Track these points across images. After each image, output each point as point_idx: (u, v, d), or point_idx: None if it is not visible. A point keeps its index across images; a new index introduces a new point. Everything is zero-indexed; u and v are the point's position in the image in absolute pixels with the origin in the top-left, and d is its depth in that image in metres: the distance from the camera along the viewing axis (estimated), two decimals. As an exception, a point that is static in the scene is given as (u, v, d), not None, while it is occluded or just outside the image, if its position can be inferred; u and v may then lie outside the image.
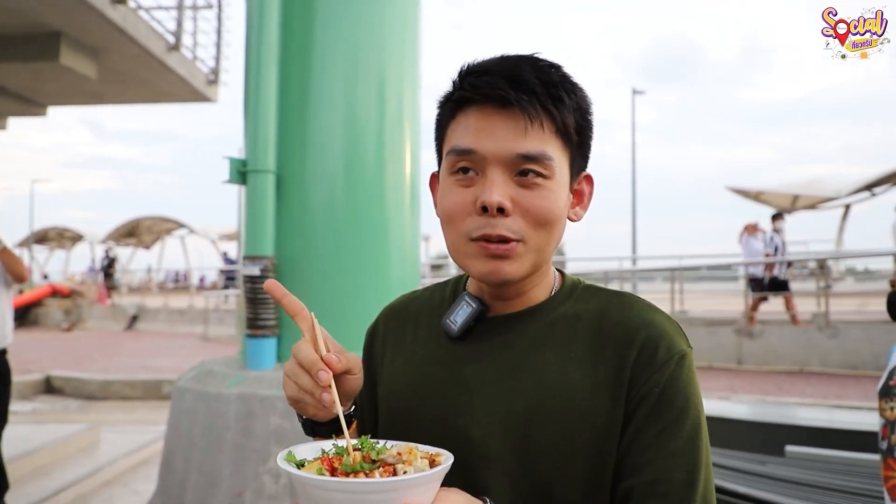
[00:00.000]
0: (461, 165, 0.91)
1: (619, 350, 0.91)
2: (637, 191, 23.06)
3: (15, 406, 8.39)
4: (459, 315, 0.99)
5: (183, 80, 7.96)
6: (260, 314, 3.42)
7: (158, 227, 29.13)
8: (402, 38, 3.77)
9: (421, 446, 0.84)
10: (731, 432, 4.63)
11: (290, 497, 3.19)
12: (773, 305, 12.96)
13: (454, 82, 0.94)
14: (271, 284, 0.91)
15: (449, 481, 0.82)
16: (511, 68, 0.89)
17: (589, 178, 1.00)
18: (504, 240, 0.89)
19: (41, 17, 6.38)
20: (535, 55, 0.94)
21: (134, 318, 18.40)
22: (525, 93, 0.87)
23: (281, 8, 3.55)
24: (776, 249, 10.82)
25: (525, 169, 0.89)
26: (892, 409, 2.47)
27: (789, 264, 11.51)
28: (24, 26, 6.55)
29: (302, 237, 3.55)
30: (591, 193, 1.01)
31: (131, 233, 28.80)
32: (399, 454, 0.79)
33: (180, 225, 28.38)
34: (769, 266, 10.78)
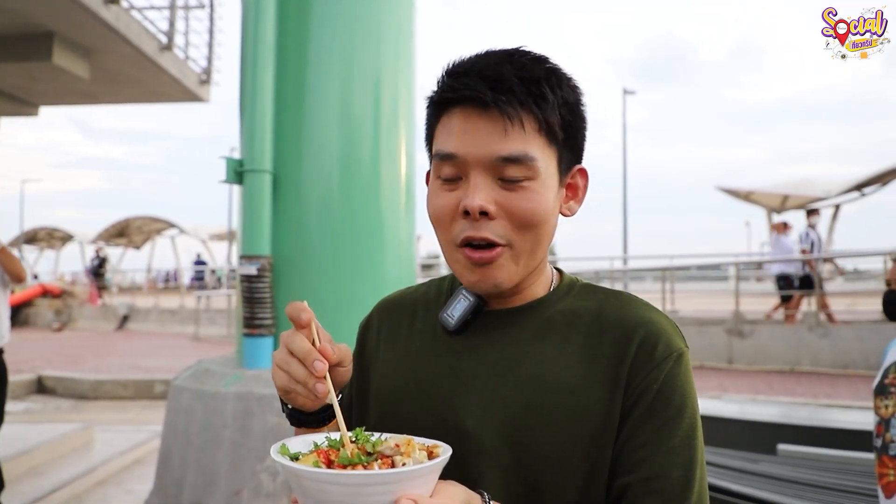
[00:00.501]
0: (445, 170, 0.91)
1: (618, 346, 0.91)
2: (628, 190, 23.18)
3: (7, 406, 8.36)
4: (457, 309, 0.98)
5: (175, 80, 7.94)
6: (257, 313, 3.42)
7: (148, 227, 29.01)
8: (397, 37, 3.79)
9: (417, 438, 0.82)
10: (724, 431, 4.67)
11: (286, 495, 3.20)
12: (765, 305, 13.03)
13: (438, 82, 0.93)
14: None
15: (444, 475, 0.82)
16: (492, 67, 0.88)
17: (583, 172, 0.99)
18: (489, 244, 0.89)
19: (34, 16, 6.35)
20: (521, 49, 0.93)
21: (125, 318, 18.31)
22: (503, 93, 0.86)
23: (276, 7, 3.55)
24: (812, 245, 10.54)
25: (507, 171, 0.88)
26: (886, 406, 2.50)
27: (824, 261, 11.14)
28: (16, 26, 6.53)
29: (298, 237, 3.56)
30: (585, 187, 0.99)
31: (121, 233, 28.66)
32: (397, 445, 0.78)
33: (170, 225, 28.27)
34: (807, 262, 10.48)
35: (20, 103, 8.32)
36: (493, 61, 0.89)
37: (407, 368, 1.00)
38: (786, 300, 10.83)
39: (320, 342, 0.84)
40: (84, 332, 17.70)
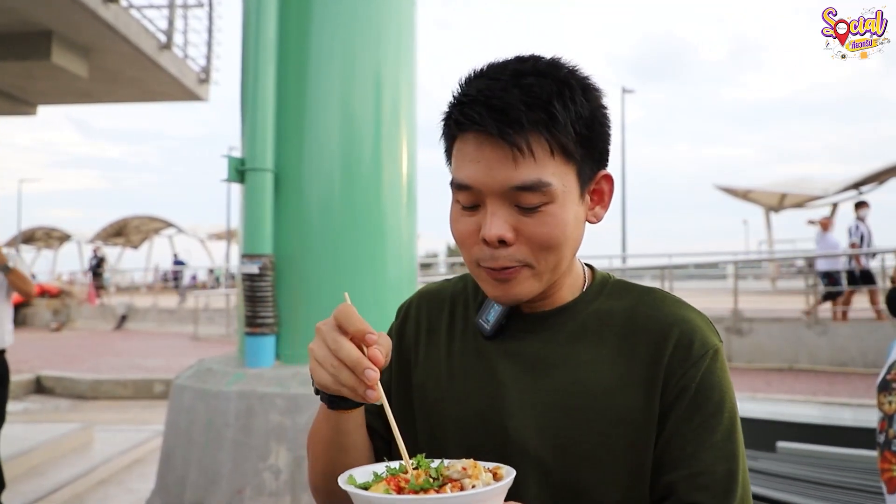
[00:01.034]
0: (462, 198, 0.91)
1: (653, 346, 0.92)
2: (626, 189, 23.19)
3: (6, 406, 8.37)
4: (491, 314, 1.00)
5: (174, 79, 7.92)
6: (259, 312, 3.43)
7: (146, 227, 28.98)
8: (397, 36, 3.79)
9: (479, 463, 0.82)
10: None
11: (289, 493, 3.21)
12: (762, 303, 13.05)
13: (452, 100, 0.92)
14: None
15: None
16: (497, 94, 0.86)
17: (608, 178, 0.97)
18: (506, 267, 0.90)
19: (32, 15, 6.34)
20: (532, 60, 0.91)
21: (123, 318, 18.29)
22: (509, 124, 0.85)
23: (277, 6, 3.55)
24: (862, 238, 10.36)
25: (522, 198, 0.88)
26: (890, 403, 2.51)
27: (873, 255, 10.85)
28: (14, 24, 6.51)
29: (299, 235, 3.57)
30: (611, 191, 0.98)
31: (119, 232, 28.62)
32: (464, 469, 0.77)
33: (168, 224, 28.25)
34: (856, 257, 10.33)
35: (18, 102, 8.30)
36: (500, 86, 0.87)
37: (449, 369, 1.01)
38: (830, 297, 10.63)
39: (368, 347, 0.81)
40: (82, 331, 17.68)
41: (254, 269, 3.36)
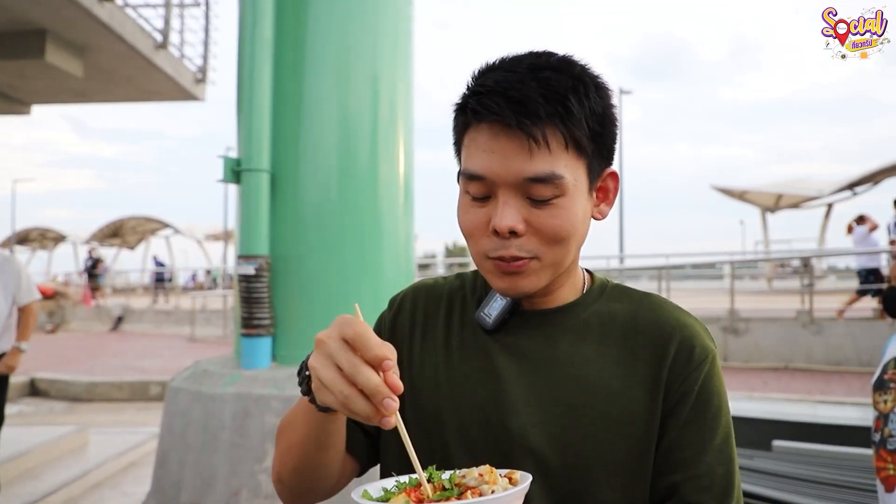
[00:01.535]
0: (473, 188, 0.91)
1: (656, 349, 0.94)
2: (624, 189, 23.20)
3: (3, 408, 8.34)
4: (493, 308, 1.00)
5: (170, 79, 7.89)
6: (255, 313, 3.41)
7: (143, 228, 28.89)
8: (394, 36, 3.78)
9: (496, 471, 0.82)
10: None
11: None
12: (759, 303, 13.07)
13: (465, 91, 0.93)
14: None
15: None
16: (516, 87, 0.87)
17: (614, 175, 0.99)
18: (516, 258, 0.90)
19: (26, 14, 6.30)
20: (546, 55, 0.92)
21: (119, 319, 18.22)
22: (527, 115, 0.86)
23: (274, 6, 3.54)
24: None
25: (535, 190, 0.88)
26: (885, 401, 2.51)
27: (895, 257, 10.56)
28: (8, 23, 6.47)
29: (296, 236, 3.55)
30: (616, 189, 1.00)
31: (115, 233, 28.53)
32: (481, 475, 0.78)
33: (165, 225, 28.16)
34: None
35: (12, 102, 8.25)
36: (518, 78, 0.88)
37: (447, 364, 1.00)
38: (875, 294, 10.45)
39: (386, 372, 0.73)
40: (78, 333, 17.61)
41: (250, 270, 3.35)
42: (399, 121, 3.76)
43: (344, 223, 3.56)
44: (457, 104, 0.94)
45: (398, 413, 0.74)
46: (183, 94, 8.39)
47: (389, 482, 0.82)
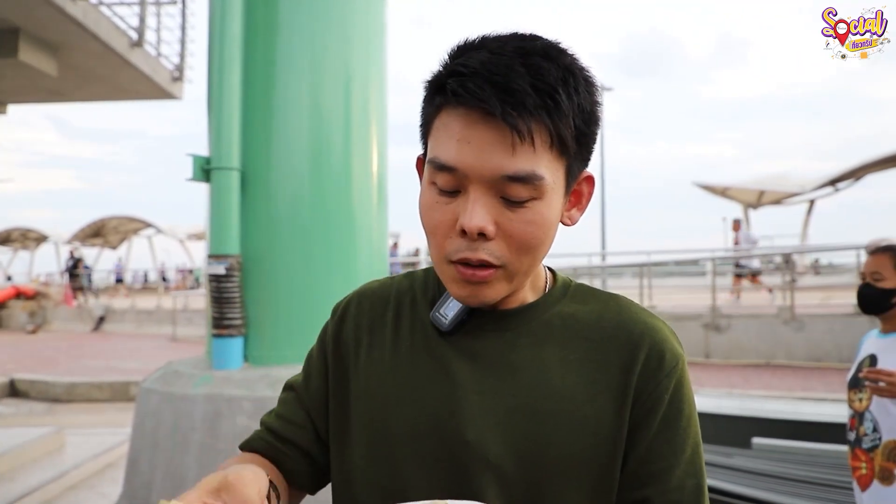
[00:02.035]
0: (441, 180, 0.82)
1: (624, 353, 0.88)
2: (606, 187, 23.28)
3: (-22, 411, 8.26)
4: (450, 308, 0.92)
5: (146, 77, 7.81)
6: (226, 313, 3.37)
7: (125, 227, 28.64)
8: (367, 32, 3.75)
9: (450, 503, 0.75)
10: (699, 425, 4.69)
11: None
12: (742, 299, 13.16)
13: (441, 70, 0.83)
14: None
15: (442, 487, 0.79)
16: (502, 70, 0.78)
17: (590, 179, 0.91)
18: (484, 264, 0.82)
19: (-1, 12, 6.22)
20: (533, 38, 0.83)
21: (101, 320, 18.07)
22: (514, 105, 0.77)
23: (243, 2, 3.50)
24: None
25: (511, 190, 0.80)
26: (860, 400, 2.52)
27: None
28: (-21, 22, 6.38)
29: (268, 235, 3.50)
30: (590, 194, 0.92)
31: (97, 233, 28.26)
32: None
33: (147, 224, 27.93)
34: None
35: (-15, 101, 8.15)
36: (504, 62, 0.78)
37: (396, 370, 0.92)
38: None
39: None
40: (59, 333, 17.45)
41: (220, 269, 3.30)
42: (372, 119, 3.73)
43: (316, 222, 3.52)
44: (430, 82, 0.85)
45: None
46: (160, 93, 8.30)
47: None
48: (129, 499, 3.53)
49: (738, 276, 12.95)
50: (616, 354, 0.88)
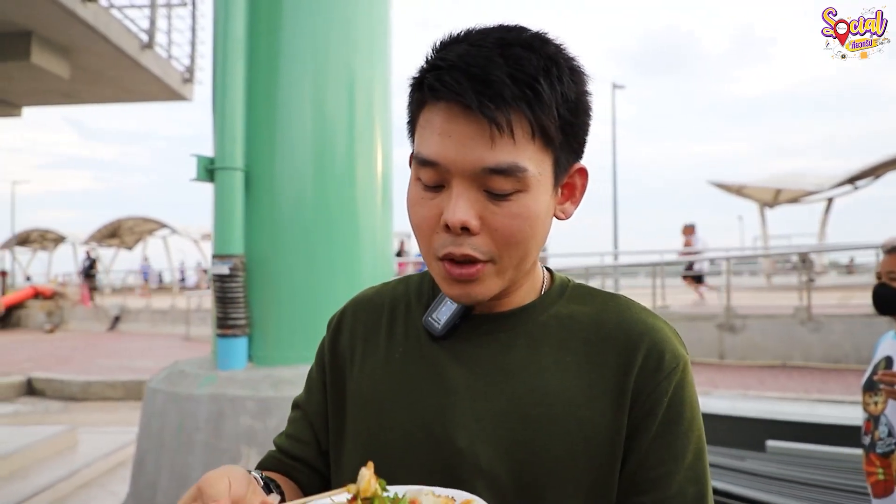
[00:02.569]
0: (425, 175, 0.82)
1: (622, 355, 0.85)
2: (619, 186, 23.15)
3: (-6, 409, 8.36)
4: (443, 312, 0.90)
5: (157, 79, 7.86)
6: (230, 313, 3.37)
7: (140, 228, 28.86)
8: (371, 33, 3.73)
9: (439, 490, 0.73)
10: (711, 428, 4.57)
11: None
12: (757, 300, 13.01)
13: (423, 64, 0.83)
14: None
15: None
16: (480, 63, 0.77)
17: (583, 171, 0.88)
18: (470, 260, 0.81)
19: (9, 15, 6.27)
20: (517, 29, 0.82)
21: (116, 319, 18.23)
22: (491, 98, 0.75)
23: (247, 2, 3.49)
24: None
25: (494, 183, 0.79)
26: (875, 403, 2.46)
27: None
28: (-8, 25, 6.44)
29: (272, 235, 3.50)
30: (584, 187, 0.89)
31: (113, 233, 28.51)
32: None
33: (162, 225, 28.12)
34: None
35: (2, 104, 8.24)
36: (483, 54, 0.77)
37: (390, 376, 0.91)
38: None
39: None
40: (76, 333, 17.62)
41: (224, 269, 3.30)
42: (376, 120, 3.71)
43: (320, 222, 3.50)
44: (413, 78, 0.84)
45: None
46: (171, 94, 8.35)
47: (323, 501, 0.73)
48: (136, 498, 3.53)
49: (692, 279, 13.29)
50: (614, 356, 0.86)
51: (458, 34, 0.83)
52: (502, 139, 0.77)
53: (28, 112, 8.86)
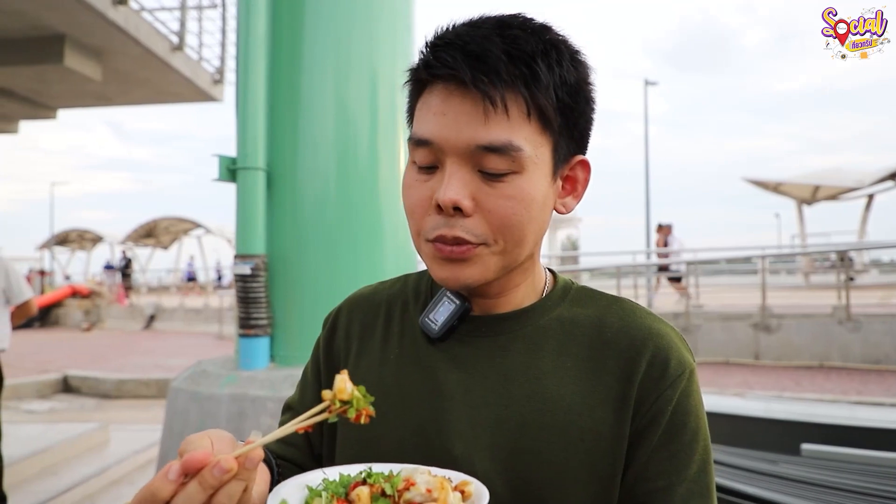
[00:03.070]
0: (420, 156, 0.80)
1: (625, 361, 0.82)
2: (651, 183, 22.85)
3: (32, 405, 8.55)
4: (440, 313, 0.87)
5: (187, 80, 7.97)
6: (252, 313, 3.37)
7: (176, 228, 29.33)
8: (393, 31, 3.70)
9: (435, 469, 0.72)
10: (745, 430, 4.50)
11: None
12: (795, 299, 12.72)
13: (420, 51, 0.81)
14: None
15: None
16: (477, 40, 0.75)
17: (585, 164, 0.86)
18: (460, 241, 0.78)
19: (43, 19, 6.41)
20: (520, 16, 0.81)
21: (151, 318, 18.56)
22: (486, 73, 0.74)
23: (269, 2, 3.48)
24: None
25: (488, 162, 0.76)
26: None
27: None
28: (27, 29, 6.59)
29: (294, 235, 3.49)
30: (586, 181, 0.87)
31: (149, 233, 29.02)
32: (429, 491, 0.66)
33: (197, 225, 28.56)
34: None
35: (37, 106, 8.43)
36: (481, 33, 0.76)
37: (384, 379, 0.89)
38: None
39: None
40: (112, 331, 17.99)
41: (246, 269, 3.30)
42: (399, 116, 3.68)
43: (342, 221, 3.48)
44: (411, 67, 0.83)
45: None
46: (201, 96, 8.46)
47: (315, 477, 0.70)
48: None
49: (671, 279, 13.23)
50: (616, 362, 0.82)
51: (459, 21, 0.81)
52: (496, 116, 0.75)
53: (64, 114, 9.07)
